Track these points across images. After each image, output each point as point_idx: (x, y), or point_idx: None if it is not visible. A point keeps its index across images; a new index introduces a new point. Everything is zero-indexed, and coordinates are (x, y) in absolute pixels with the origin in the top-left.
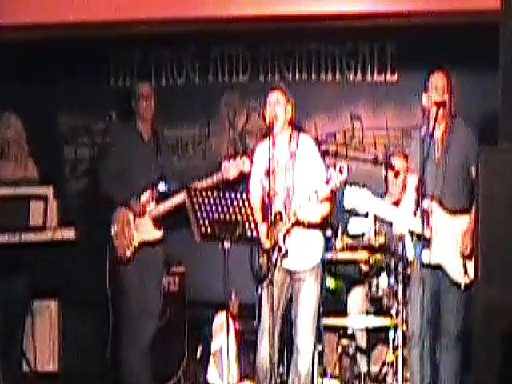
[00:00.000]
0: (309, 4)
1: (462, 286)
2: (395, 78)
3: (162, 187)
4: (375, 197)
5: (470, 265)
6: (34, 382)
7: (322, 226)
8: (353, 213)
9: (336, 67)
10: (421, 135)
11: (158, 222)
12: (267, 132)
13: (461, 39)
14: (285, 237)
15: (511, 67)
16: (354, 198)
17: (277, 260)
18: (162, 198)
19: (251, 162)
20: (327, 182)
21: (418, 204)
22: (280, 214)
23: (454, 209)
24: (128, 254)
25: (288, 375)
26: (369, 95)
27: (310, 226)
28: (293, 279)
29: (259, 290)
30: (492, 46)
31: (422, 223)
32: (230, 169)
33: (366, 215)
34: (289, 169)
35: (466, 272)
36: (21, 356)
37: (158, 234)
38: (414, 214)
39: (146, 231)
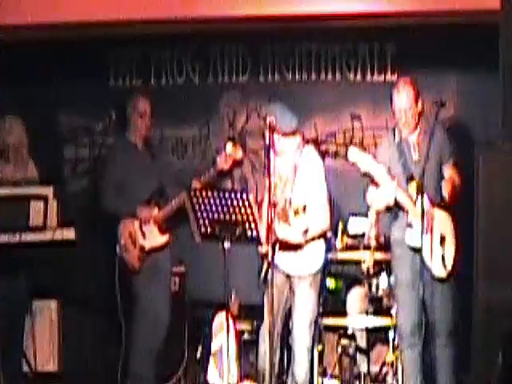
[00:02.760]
0: (309, 4)
1: (444, 278)
2: (395, 77)
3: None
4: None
5: (448, 257)
6: (33, 382)
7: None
8: (359, 213)
9: (336, 67)
10: (392, 135)
11: (162, 226)
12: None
13: (461, 39)
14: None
15: (511, 67)
16: (357, 155)
17: (272, 260)
18: (162, 202)
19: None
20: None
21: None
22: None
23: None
24: (138, 264)
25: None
26: (369, 95)
27: (293, 246)
28: (291, 285)
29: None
30: (492, 46)
31: (422, 213)
32: (224, 160)
33: (367, 215)
34: (289, 181)
35: (444, 265)
36: (21, 356)
37: (163, 238)
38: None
39: (153, 237)
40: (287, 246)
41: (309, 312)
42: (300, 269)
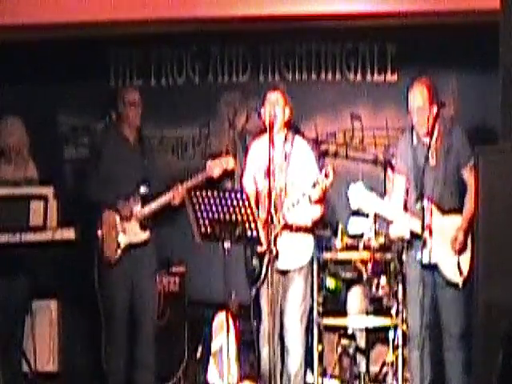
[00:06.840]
0: (309, 4)
1: (460, 285)
2: (395, 77)
3: (143, 189)
4: (378, 197)
5: (464, 264)
6: (33, 382)
7: (313, 229)
8: (359, 213)
9: (336, 67)
10: (410, 137)
11: (144, 223)
12: (261, 130)
13: (461, 39)
14: (275, 238)
15: (511, 67)
16: (358, 198)
17: (269, 262)
18: (147, 199)
19: (245, 159)
20: (314, 186)
21: (405, 204)
22: (270, 214)
23: (448, 209)
24: (115, 256)
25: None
26: (369, 95)
27: (300, 229)
28: (284, 279)
29: (253, 290)
30: (492, 46)
31: (422, 224)
32: (214, 167)
33: (367, 215)
34: (282, 170)
35: (460, 271)
36: (21, 356)
37: (144, 235)
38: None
39: (133, 233)
40: (292, 231)
41: (301, 304)
42: (293, 262)
